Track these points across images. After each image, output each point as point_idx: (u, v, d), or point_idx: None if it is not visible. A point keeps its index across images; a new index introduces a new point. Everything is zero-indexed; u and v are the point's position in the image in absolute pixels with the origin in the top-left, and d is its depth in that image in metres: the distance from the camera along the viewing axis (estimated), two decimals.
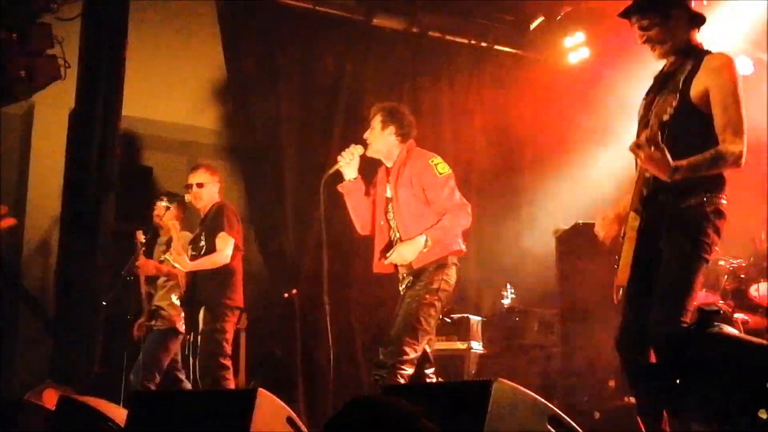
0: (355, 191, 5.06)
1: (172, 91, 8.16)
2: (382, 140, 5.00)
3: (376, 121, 5.03)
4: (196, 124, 8.29)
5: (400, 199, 4.93)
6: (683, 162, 3.30)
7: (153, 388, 6.35)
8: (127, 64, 7.35)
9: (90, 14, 7.21)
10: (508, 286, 7.63)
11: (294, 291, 7.51)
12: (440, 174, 4.88)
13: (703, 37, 3.66)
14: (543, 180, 8.37)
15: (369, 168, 5.20)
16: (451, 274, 4.85)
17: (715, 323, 2.68)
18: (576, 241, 6.65)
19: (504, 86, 8.74)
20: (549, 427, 3.05)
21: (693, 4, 3.62)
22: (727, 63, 3.45)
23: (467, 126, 8.74)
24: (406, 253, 4.76)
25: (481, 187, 8.74)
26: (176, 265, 6.22)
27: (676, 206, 3.49)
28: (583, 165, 7.99)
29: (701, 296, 6.49)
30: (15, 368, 7.04)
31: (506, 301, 7.49)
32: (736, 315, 6.12)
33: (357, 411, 2.21)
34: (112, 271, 6.97)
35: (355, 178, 5.05)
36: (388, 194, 5.01)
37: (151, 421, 3.66)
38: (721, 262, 6.45)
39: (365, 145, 5.03)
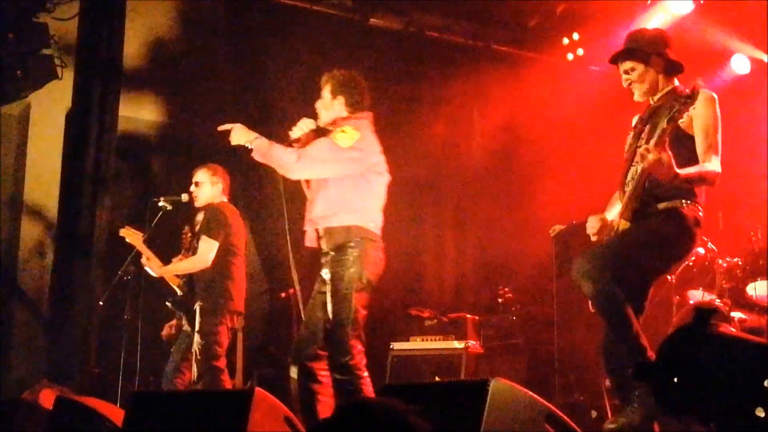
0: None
1: (169, 91, 8.15)
2: (331, 110, 4.83)
3: (326, 91, 4.85)
4: (193, 124, 8.28)
5: None
6: (680, 171, 3.76)
7: (182, 388, 6.34)
8: (123, 63, 7.35)
9: (86, 14, 7.20)
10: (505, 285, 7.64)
11: (291, 290, 7.51)
12: (335, 138, 4.66)
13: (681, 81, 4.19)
14: (540, 179, 8.37)
15: None
16: (374, 254, 4.64)
17: (713, 322, 2.68)
18: (573, 240, 6.65)
19: (501, 85, 8.74)
20: (546, 425, 3.06)
21: (672, 55, 4.15)
22: (710, 98, 3.98)
23: (464, 125, 8.74)
24: (239, 131, 4.67)
25: (478, 185, 8.75)
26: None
27: (655, 208, 3.95)
28: (580, 164, 7.99)
29: (698, 295, 6.51)
30: (11, 368, 7.03)
31: (503, 300, 7.49)
32: (733, 313, 6.12)
33: (347, 416, 2.20)
34: (109, 270, 6.97)
35: None
36: None
37: (148, 421, 3.66)
38: (719, 261, 6.46)
39: (317, 116, 4.87)
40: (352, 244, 4.58)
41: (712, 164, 3.89)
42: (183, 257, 6.54)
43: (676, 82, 4.17)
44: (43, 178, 7.48)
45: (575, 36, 8.49)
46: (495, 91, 8.59)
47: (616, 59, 4.21)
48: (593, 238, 4.14)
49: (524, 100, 8.45)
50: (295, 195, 5.31)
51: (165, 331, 6.74)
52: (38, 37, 6.75)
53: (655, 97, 4.14)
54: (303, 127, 4.82)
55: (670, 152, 3.70)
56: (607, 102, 7.42)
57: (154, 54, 7.94)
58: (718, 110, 3.99)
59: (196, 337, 6.00)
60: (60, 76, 6.90)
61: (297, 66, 8.09)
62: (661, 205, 3.95)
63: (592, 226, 4.15)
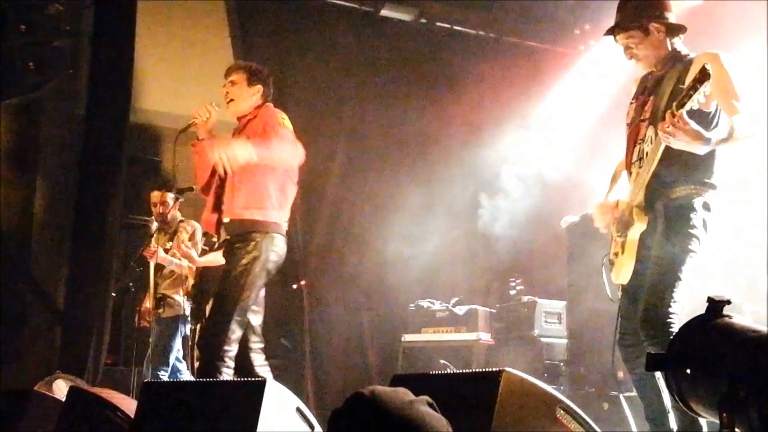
0: (207, 151, 4.70)
1: (181, 82, 8.16)
2: (248, 98, 4.77)
3: (241, 78, 4.77)
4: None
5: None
6: (710, 134, 3.47)
7: (163, 375, 6.35)
8: (136, 55, 7.37)
9: (99, 6, 7.22)
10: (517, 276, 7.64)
11: (302, 282, 7.53)
12: (281, 125, 4.61)
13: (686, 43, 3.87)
14: (552, 169, 8.35)
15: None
16: (281, 245, 4.59)
17: (725, 313, 2.67)
18: (585, 232, 6.63)
19: (513, 77, 8.72)
20: (557, 417, 3.05)
21: (671, 17, 3.83)
22: (715, 55, 3.62)
23: (476, 117, 8.73)
24: (236, 149, 4.38)
25: (489, 177, 8.74)
26: (185, 261, 6.21)
27: (666, 198, 3.69)
28: (592, 154, 7.96)
29: (711, 286, 6.48)
30: (25, 359, 7.07)
31: (514, 292, 7.49)
32: (745, 305, 6.10)
33: (359, 404, 2.20)
34: (122, 262, 7.00)
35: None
36: None
37: (160, 412, 3.67)
38: (732, 251, 6.43)
39: (226, 103, 4.78)
40: (257, 233, 4.51)
41: (741, 114, 3.52)
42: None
43: (678, 45, 3.83)
44: (57, 169, 7.50)
45: (587, 27, 8.47)
46: (507, 82, 8.57)
47: (613, 32, 3.89)
48: (602, 229, 4.01)
49: (536, 91, 8.43)
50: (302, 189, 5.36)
51: (141, 319, 6.71)
52: (51, 30, 6.78)
53: (659, 64, 3.82)
54: (210, 109, 4.74)
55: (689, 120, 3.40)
56: (619, 92, 7.38)
57: (168, 45, 7.95)
58: (724, 63, 3.61)
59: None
60: (72, 68, 6.92)
61: (308, 57, 8.09)
62: (673, 194, 3.68)
63: (598, 218, 4.00)
